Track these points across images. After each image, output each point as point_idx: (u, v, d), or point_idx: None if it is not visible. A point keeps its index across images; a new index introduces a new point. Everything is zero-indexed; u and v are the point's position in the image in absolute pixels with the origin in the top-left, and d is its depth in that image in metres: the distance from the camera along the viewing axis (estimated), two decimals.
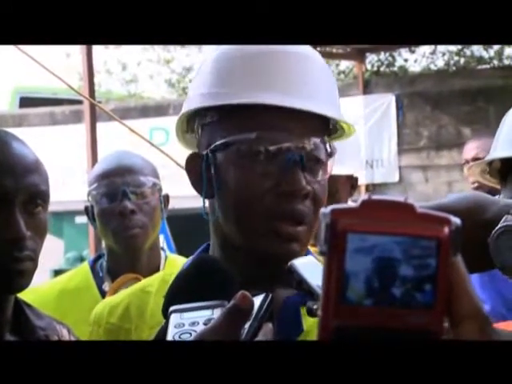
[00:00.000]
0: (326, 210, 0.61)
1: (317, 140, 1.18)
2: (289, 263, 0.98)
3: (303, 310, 1.16)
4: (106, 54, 15.01)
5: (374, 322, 0.60)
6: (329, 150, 1.20)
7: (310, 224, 1.19)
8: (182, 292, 0.99)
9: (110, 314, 1.30)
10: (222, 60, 1.22)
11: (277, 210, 1.17)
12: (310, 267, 1.00)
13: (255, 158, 1.17)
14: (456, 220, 0.62)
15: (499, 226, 1.03)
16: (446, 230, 0.61)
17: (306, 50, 1.22)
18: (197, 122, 1.24)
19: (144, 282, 1.39)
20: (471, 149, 3.89)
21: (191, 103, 1.24)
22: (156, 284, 1.29)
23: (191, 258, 1.28)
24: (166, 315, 0.95)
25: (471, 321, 0.64)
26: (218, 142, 1.19)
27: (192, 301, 0.95)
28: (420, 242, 0.60)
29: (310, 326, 1.15)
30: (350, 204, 0.62)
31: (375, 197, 0.62)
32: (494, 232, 1.03)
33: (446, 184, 8.76)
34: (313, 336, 0.98)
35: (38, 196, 1.35)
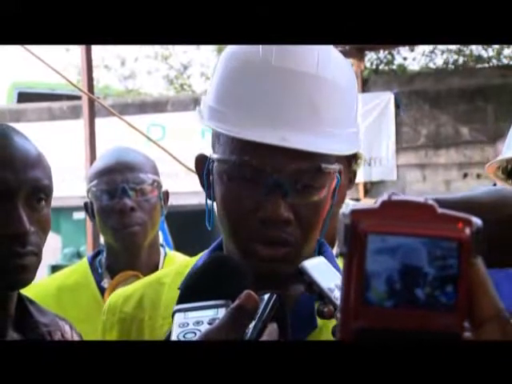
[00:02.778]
0: (345, 210, 0.61)
1: (306, 164, 1.15)
2: (300, 265, 0.98)
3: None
4: (103, 50, 15.01)
5: (396, 323, 0.59)
6: (329, 173, 1.17)
7: (295, 246, 1.17)
8: (199, 288, 0.98)
9: (124, 303, 1.32)
10: (227, 74, 1.20)
11: (257, 234, 1.16)
12: (321, 269, 0.99)
13: (239, 180, 1.16)
14: (477, 221, 0.61)
15: None
16: (468, 231, 0.60)
17: (313, 70, 1.17)
18: None
19: (159, 273, 1.40)
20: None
21: (201, 111, 1.24)
22: (171, 276, 1.30)
23: (205, 252, 1.30)
24: None
25: (492, 322, 0.63)
26: (214, 156, 1.20)
27: (208, 297, 0.95)
28: (441, 243, 0.59)
29: (324, 322, 1.14)
30: (370, 205, 0.62)
31: (395, 197, 0.62)
32: None
33: (443, 183, 8.77)
34: (327, 332, 0.98)
35: (41, 190, 1.34)
